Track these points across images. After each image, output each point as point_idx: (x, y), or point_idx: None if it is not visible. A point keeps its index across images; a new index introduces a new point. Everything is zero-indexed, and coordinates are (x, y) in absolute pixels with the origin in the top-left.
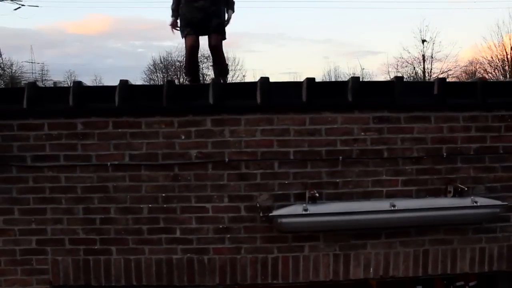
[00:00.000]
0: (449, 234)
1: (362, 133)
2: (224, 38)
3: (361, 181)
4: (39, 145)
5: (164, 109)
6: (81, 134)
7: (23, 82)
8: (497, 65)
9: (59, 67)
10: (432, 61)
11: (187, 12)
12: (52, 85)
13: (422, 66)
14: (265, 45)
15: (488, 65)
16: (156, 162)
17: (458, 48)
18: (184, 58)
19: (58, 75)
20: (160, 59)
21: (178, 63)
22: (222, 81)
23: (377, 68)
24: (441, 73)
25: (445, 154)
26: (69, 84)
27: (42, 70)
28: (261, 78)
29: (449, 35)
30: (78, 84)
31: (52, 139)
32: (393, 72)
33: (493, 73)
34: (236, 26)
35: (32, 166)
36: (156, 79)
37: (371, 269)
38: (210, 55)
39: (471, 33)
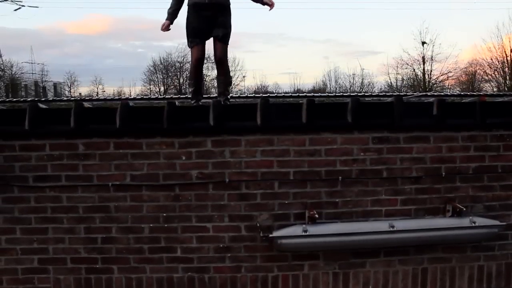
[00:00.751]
0: (448, 252)
1: (362, 154)
2: (226, 44)
3: (360, 200)
4: (40, 165)
5: (164, 131)
6: (83, 154)
7: (23, 83)
8: (496, 67)
9: (59, 67)
10: (432, 63)
11: (194, 22)
12: (53, 86)
13: (422, 68)
14: (265, 45)
15: (488, 67)
16: (157, 183)
17: (458, 50)
18: (189, 67)
19: (58, 76)
20: (160, 60)
21: (178, 63)
22: (226, 92)
23: (377, 69)
24: (441, 75)
25: (444, 173)
26: (69, 85)
27: (42, 71)
28: (261, 99)
29: (449, 35)
30: (79, 106)
31: (53, 160)
32: (393, 73)
33: (492, 75)
34: (236, 26)
35: (33, 186)
36: (156, 80)
37: (370, 287)
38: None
39: (471, 34)
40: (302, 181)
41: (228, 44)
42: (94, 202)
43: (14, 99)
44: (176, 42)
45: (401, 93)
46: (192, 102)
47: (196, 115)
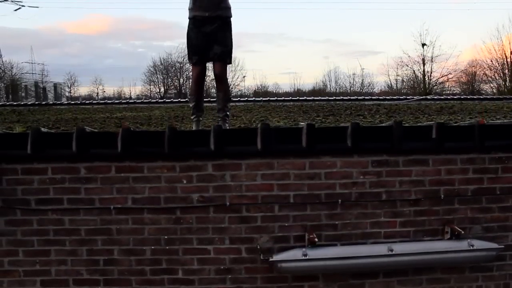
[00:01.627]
0: (446, 273)
1: (361, 177)
2: (230, 63)
3: (359, 223)
4: (43, 188)
5: (165, 155)
6: (84, 178)
7: (23, 84)
8: (496, 69)
9: (59, 67)
10: (432, 65)
11: (194, 38)
12: (53, 87)
13: (422, 69)
14: (265, 45)
15: (488, 68)
16: (158, 206)
17: (458, 51)
18: (190, 84)
19: (58, 76)
20: (160, 60)
21: (178, 64)
22: (226, 109)
23: (377, 68)
24: (441, 77)
25: (442, 195)
26: (69, 87)
27: (43, 71)
28: (262, 124)
29: (449, 35)
30: (81, 131)
31: (55, 183)
32: (393, 75)
33: (492, 76)
34: (236, 26)
35: (36, 209)
36: (156, 80)
37: None
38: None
39: (471, 34)
40: (302, 204)
41: (228, 62)
42: (96, 225)
43: (15, 103)
44: (176, 42)
45: (401, 97)
46: (192, 117)
47: (197, 140)
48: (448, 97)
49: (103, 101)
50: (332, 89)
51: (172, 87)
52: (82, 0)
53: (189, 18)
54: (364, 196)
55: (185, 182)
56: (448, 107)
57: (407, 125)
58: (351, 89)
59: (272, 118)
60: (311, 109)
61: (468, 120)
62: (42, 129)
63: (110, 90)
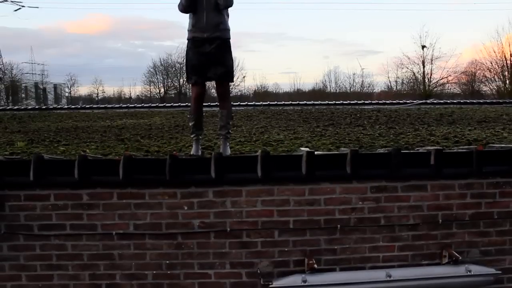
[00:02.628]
0: None
1: (360, 202)
2: (232, 81)
3: (358, 247)
4: (45, 214)
5: (167, 182)
6: (87, 204)
7: (23, 85)
8: (496, 71)
9: (59, 67)
10: (432, 67)
11: (193, 59)
12: (53, 88)
13: (422, 71)
14: (265, 45)
15: (488, 70)
16: (160, 231)
17: (458, 53)
18: (190, 104)
19: (58, 76)
20: (160, 61)
21: (178, 64)
22: (228, 126)
23: (377, 68)
24: (441, 78)
25: (440, 220)
26: (69, 88)
27: (43, 73)
28: (262, 152)
29: (449, 35)
30: (82, 158)
31: (58, 209)
32: (393, 76)
33: (492, 79)
34: (236, 26)
35: (39, 235)
36: (156, 81)
37: None
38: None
39: (471, 34)
40: (302, 230)
41: (230, 81)
42: (99, 250)
43: (15, 107)
44: (176, 42)
45: (400, 101)
46: (192, 136)
47: (198, 167)
48: (448, 101)
49: (103, 106)
50: (332, 89)
51: (172, 87)
52: (82, 0)
53: (188, 39)
54: (363, 221)
55: (186, 208)
56: (448, 114)
57: (405, 151)
58: (351, 89)
59: (272, 129)
60: (311, 115)
61: (468, 133)
62: (45, 156)
63: (110, 90)
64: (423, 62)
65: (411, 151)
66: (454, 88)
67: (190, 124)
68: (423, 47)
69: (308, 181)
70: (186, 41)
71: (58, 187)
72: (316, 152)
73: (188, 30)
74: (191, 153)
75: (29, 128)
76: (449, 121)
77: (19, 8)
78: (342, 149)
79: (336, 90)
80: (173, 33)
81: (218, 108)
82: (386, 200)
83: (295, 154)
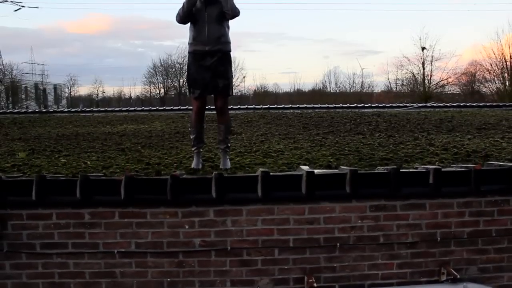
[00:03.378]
0: None
1: (359, 221)
2: (231, 95)
3: (357, 265)
4: (48, 233)
5: (168, 202)
6: (88, 223)
7: (23, 86)
8: (496, 73)
9: (59, 67)
10: (432, 69)
11: (195, 72)
12: (53, 89)
13: (422, 73)
14: (265, 45)
15: (487, 72)
16: (161, 250)
17: (458, 55)
18: (191, 117)
19: (58, 76)
20: (160, 62)
21: (178, 64)
22: (226, 140)
23: (377, 68)
24: (441, 80)
25: (439, 238)
26: (69, 88)
27: (43, 73)
28: (262, 172)
29: (450, 36)
30: (85, 178)
31: (60, 228)
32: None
33: (492, 81)
34: (237, 26)
35: (41, 253)
36: (156, 82)
37: None
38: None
39: (471, 34)
40: (302, 248)
41: (230, 94)
42: (100, 268)
43: (15, 110)
44: (176, 42)
45: (400, 104)
46: (193, 149)
47: (199, 187)
48: (448, 104)
49: (103, 109)
50: (332, 89)
51: (172, 88)
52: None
53: (189, 52)
54: (362, 240)
55: (187, 227)
56: (447, 120)
57: (404, 170)
58: (351, 90)
59: (272, 137)
60: (311, 120)
61: (467, 142)
62: (47, 176)
63: (110, 90)
64: (423, 64)
65: (410, 171)
66: (454, 89)
67: (191, 137)
68: (423, 49)
69: (308, 200)
70: (188, 54)
71: (60, 206)
72: (316, 172)
73: (189, 43)
74: (192, 166)
75: (30, 134)
76: (449, 127)
77: (19, 8)
78: (342, 167)
79: (336, 91)
80: (173, 33)
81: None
82: (385, 219)
83: (295, 174)
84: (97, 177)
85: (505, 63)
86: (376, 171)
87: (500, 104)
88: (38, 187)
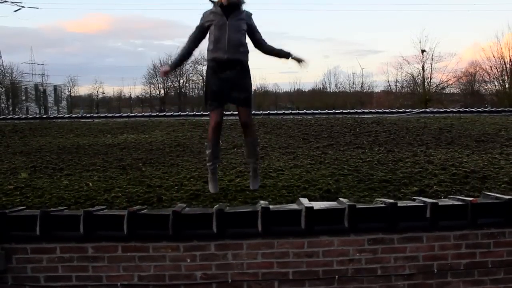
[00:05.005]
0: None
1: (357, 254)
2: (251, 107)
3: None
4: (52, 266)
5: (170, 236)
6: (92, 257)
7: (23, 87)
8: (496, 76)
9: (59, 66)
10: (431, 72)
11: (213, 85)
12: (53, 90)
13: (422, 75)
14: None
15: (487, 74)
16: (163, 283)
17: (458, 58)
18: (208, 131)
19: (58, 76)
20: (160, 63)
21: None
22: (256, 153)
23: (377, 67)
24: (440, 83)
25: (436, 270)
26: (69, 90)
27: (43, 74)
28: (262, 208)
29: (449, 36)
30: (88, 214)
31: (64, 261)
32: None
33: (492, 82)
34: None
35: (45, 286)
36: (156, 82)
37: None
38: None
39: (471, 34)
40: (301, 280)
41: (251, 106)
42: None
43: (16, 116)
44: (176, 41)
45: (400, 110)
46: (209, 164)
47: (200, 222)
48: (448, 109)
49: (103, 115)
50: (331, 89)
51: (172, 88)
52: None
53: (207, 59)
54: (360, 272)
55: (189, 261)
56: (446, 129)
57: (402, 205)
58: (351, 90)
59: (272, 151)
60: (311, 130)
61: (465, 160)
62: (52, 212)
63: (110, 90)
64: (423, 67)
65: (408, 205)
66: (454, 89)
67: (207, 152)
68: (422, 51)
69: (307, 234)
70: (206, 64)
71: (64, 240)
72: (315, 207)
73: (208, 50)
74: (210, 190)
75: (31, 146)
76: (448, 139)
77: (19, 9)
78: (341, 199)
79: (336, 90)
80: (173, 33)
81: (236, 120)
82: (383, 252)
83: (294, 209)
84: (100, 210)
85: (504, 66)
86: (374, 206)
87: (499, 109)
88: (42, 222)
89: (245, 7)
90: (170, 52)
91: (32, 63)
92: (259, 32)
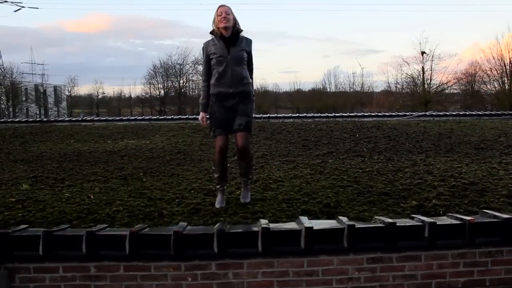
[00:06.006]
0: None
1: (356, 273)
2: (251, 133)
3: None
4: (54, 285)
5: (171, 256)
6: (94, 276)
7: (23, 87)
8: (495, 78)
9: (59, 66)
10: (431, 73)
11: (217, 112)
12: (53, 90)
13: (422, 77)
14: (266, 44)
15: (487, 76)
16: None
17: (458, 60)
18: (214, 156)
19: (58, 76)
20: (160, 63)
21: (178, 65)
22: (248, 175)
23: (377, 67)
24: (440, 85)
25: None
26: (69, 91)
27: (43, 74)
28: (262, 228)
29: (450, 36)
30: (90, 234)
31: (67, 281)
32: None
33: (491, 83)
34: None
35: None
36: (156, 83)
37: None
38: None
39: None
40: None
41: (251, 131)
42: None
43: (16, 119)
44: (176, 41)
45: (400, 113)
46: (218, 187)
47: (201, 242)
48: (447, 113)
49: (104, 118)
50: (331, 89)
51: (172, 88)
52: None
53: (211, 93)
54: None
55: (190, 280)
56: (446, 135)
57: (400, 225)
58: (351, 90)
59: (273, 159)
60: (311, 135)
61: (465, 170)
62: (54, 232)
63: (110, 90)
64: (423, 68)
65: (406, 225)
66: (454, 90)
67: (215, 176)
68: (422, 53)
69: (307, 254)
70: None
71: (66, 260)
72: (314, 227)
73: (211, 84)
74: (216, 205)
75: (32, 152)
76: (447, 146)
77: (19, 9)
78: (340, 217)
79: (336, 89)
80: (173, 32)
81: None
82: (381, 270)
83: (294, 229)
84: (102, 229)
85: (504, 68)
86: (373, 225)
87: (499, 112)
88: (45, 242)
89: (242, 7)
90: (170, 52)
91: (32, 63)
92: (252, 63)
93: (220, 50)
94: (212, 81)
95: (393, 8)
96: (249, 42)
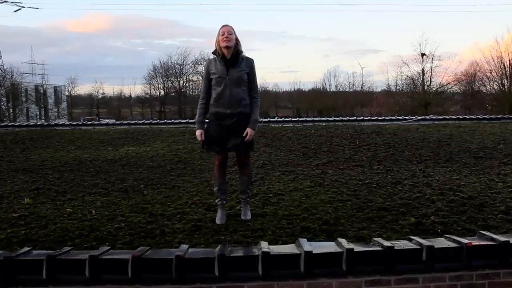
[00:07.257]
0: None
1: None
2: (252, 150)
3: None
4: None
5: (173, 279)
6: None
7: (23, 88)
8: (495, 79)
9: (59, 66)
10: (431, 75)
11: (213, 131)
12: (53, 91)
13: (422, 79)
14: (266, 43)
15: (487, 78)
16: None
17: (457, 61)
18: (213, 170)
19: (58, 76)
20: (160, 64)
21: (178, 66)
22: (248, 191)
23: (377, 67)
24: (440, 87)
25: None
26: (69, 91)
27: (43, 74)
28: (263, 253)
29: (450, 36)
30: (93, 259)
31: None
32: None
33: (491, 85)
34: (238, 25)
35: None
36: (157, 84)
37: None
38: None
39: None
40: None
41: (252, 150)
42: None
43: (17, 123)
44: (176, 41)
45: (399, 117)
46: (217, 201)
47: (202, 266)
48: (447, 117)
49: (104, 123)
50: (331, 89)
51: (172, 88)
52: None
53: (210, 112)
54: None
55: None
56: (445, 142)
57: (399, 248)
58: (351, 90)
59: (273, 170)
60: (311, 142)
61: (463, 183)
62: (58, 255)
63: (110, 89)
64: (423, 70)
65: (404, 248)
66: (454, 90)
67: (214, 189)
68: (422, 55)
69: (307, 277)
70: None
71: (70, 284)
72: (313, 251)
73: (210, 104)
74: (216, 221)
75: (33, 161)
76: (446, 155)
77: (19, 9)
78: (339, 239)
79: (336, 89)
80: (173, 32)
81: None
82: None
83: (293, 253)
84: (105, 252)
85: (504, 70)
86: (371, 249)
87: (499, 116)
88: (48, 266)
89: (242, 7)
90: (170, 52)
91: (32, 63)
92: (255, 83)
93: (219, 70)
94: (211, 101)
95: (393, 8)
96: (249, 62)
